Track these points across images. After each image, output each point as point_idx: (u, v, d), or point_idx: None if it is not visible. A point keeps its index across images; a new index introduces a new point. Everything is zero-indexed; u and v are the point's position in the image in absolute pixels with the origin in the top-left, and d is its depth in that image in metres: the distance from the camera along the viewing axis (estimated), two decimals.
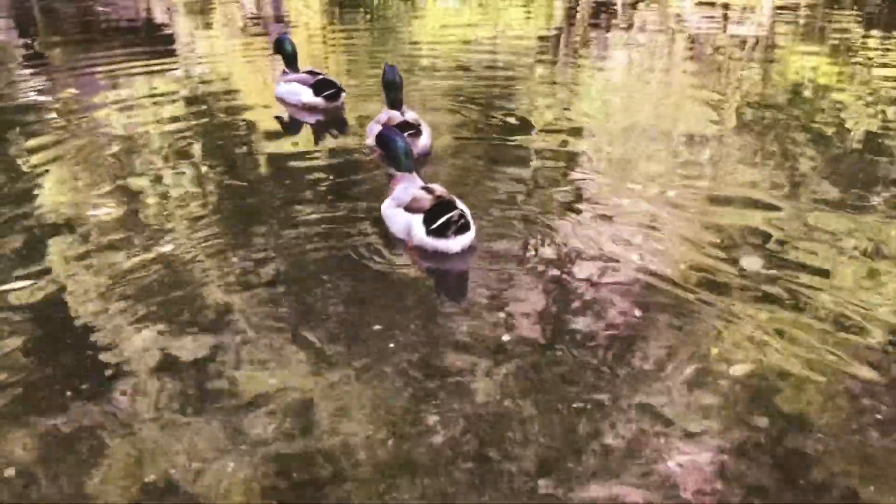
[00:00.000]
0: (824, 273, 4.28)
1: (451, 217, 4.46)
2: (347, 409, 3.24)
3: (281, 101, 7.65)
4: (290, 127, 7.19)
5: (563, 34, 11.42)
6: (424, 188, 4.71)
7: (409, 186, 4.78)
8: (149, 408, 3.26)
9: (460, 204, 4.63)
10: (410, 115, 6.12)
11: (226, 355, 3.61)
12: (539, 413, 3.19)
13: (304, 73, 7.51)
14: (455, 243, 4.54)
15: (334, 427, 3.13)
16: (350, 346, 3.65)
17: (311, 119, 7.34)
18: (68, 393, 3.33)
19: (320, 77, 7.37)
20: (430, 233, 4.51)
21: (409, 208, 4.63)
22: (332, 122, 7.28)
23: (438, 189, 4.74)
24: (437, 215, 4.47)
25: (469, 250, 4.57)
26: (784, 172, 5.69)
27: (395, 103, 6.19)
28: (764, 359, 3.53)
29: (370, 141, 6.12)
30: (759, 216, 4.96)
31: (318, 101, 7.30)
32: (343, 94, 7.47)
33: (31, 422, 3.18)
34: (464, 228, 4.52)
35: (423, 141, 6.02)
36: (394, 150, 4.93)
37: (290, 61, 7.64)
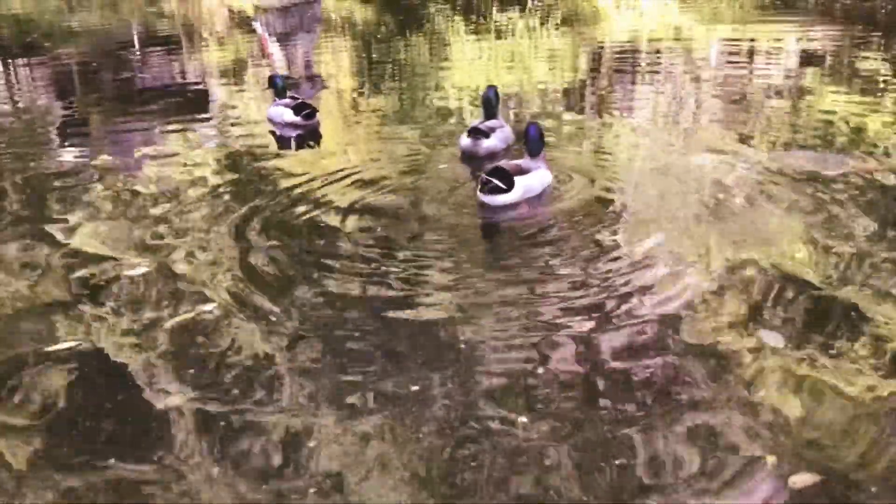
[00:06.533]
0: (864, 317, 4.20)
1: (480, 178, 5.92)
2: (384, 467, 3.20)
3: (270, 121, 9.55)
4: (315, 166, 7.30)
5: (589, 82, 11.51)
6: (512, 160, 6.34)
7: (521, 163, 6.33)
8: (188, 466, 3.26)
9: (523, 177, 5.98)
10: (488, 124, 7.63)
11: (262, 413, 3.62)
12: (582, 471, 3.13)
13: (289, 98, 9.50)
14: (487, 199, 5.99)
15: (371, 487, 3.09)
16: (386, 403, 3.64)
17: (293, 133, 9.17)
18: (110, 458, 3.35)
19: (299, 101, 9.39)
20: (479, 190, 6.05)
21: None
22: (309, 135, 9.16)
23: (506, 162, 6.16)
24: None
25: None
26: (820, 229, 5.52)
27: (489, 117, 7.81)
28: (816, 412, 3.44)
29: (482, 146, 7.53)
30: (795, 266, 4.90)
31: (297, 119, 9.23)
32: (317, 114, 9.40)
33: (74, 482, 3.20)
34: (495, 190, 5.88)
35: (490, 143, 7.57)
36: (526, 142, 6.55)
37: (279, 93, 9.61)
